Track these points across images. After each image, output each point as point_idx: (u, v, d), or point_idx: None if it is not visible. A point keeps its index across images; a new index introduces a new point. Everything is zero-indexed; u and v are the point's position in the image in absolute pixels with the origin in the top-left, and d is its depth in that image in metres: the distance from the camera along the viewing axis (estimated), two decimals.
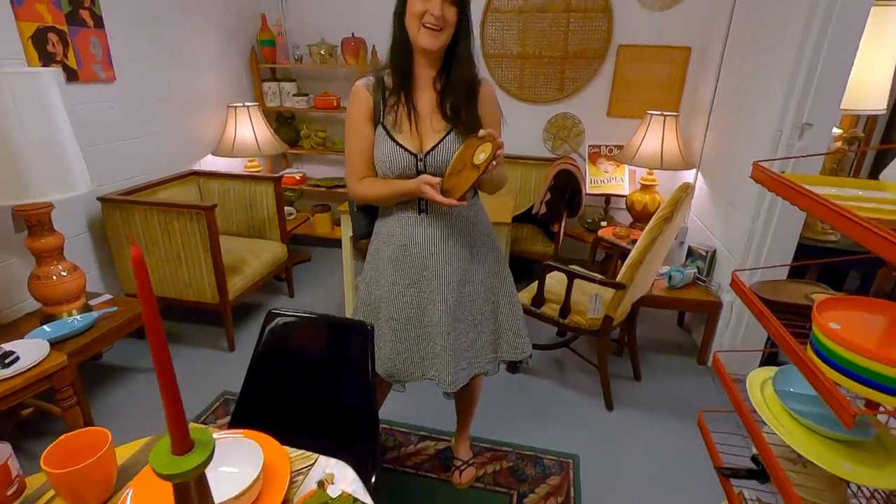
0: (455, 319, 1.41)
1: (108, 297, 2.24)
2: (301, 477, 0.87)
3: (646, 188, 3.04)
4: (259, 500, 0.80)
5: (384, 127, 1.30)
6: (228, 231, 2.97)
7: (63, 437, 0.80)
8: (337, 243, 3.69)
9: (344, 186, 3.63)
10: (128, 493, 0.75)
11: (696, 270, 2.54)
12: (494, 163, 1.15)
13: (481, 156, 1.17)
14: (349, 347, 1.27)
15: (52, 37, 2.11)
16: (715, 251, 2.53)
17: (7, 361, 1.59)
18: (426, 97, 1.32)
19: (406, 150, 1.28)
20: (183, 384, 1.99)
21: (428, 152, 1.29)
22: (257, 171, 3.27)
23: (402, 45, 1.26)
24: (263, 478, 0.82)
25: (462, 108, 1.30)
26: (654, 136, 2.85)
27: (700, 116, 2.95)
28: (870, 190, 1.02)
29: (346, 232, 2.57)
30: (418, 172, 1.29)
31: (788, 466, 1.07)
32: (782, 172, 1.99)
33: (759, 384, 1.19)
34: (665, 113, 2.85)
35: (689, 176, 3.04)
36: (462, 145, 1.21)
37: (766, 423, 1.04)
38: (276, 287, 3.21)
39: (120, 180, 2.53)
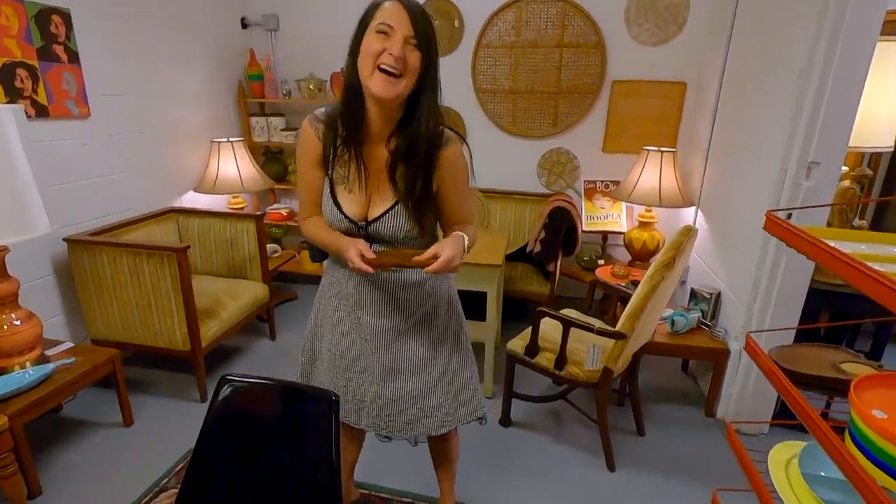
0: (391, 372, 1.30)
1: (69, 345, 2.08)
2: None
3: (644, 225, 2.92)
4: None
5: (331, 182, 1.17)
6: (208, 271, 2.83)
7: None
8: None
9: None
10: None
11: (699, 314, 2.39)
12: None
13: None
14: (310, 418, 1.11)
15: (21, 72, 2.02)
16: (720, 293, 2.39)
17: None
18: (380, 154, 1.14)
19: (348, 218, 1.18)
20: (150, 437, 1.78)
21: (371, 222, 1.18)
22: (241, 208, 3.16)
23: (353, 89, 1.06)
24: None
25: (416, 179, 1.11)
26: (652, 173, 2.76)
27: (698, 152, 2.86)
28: None
29: None
30: (367, 238, 1.20)
31: None
32: (789, 216, 1.88)
33: (784, 463, 1.04)
34: (662, 149, 2.76)
35: (688, 213, 2.93)
36: (408, 251, 1.16)
37: None
38: (258, 329, 3.05)
39: (93, 219, 2.41)
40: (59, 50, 2.16)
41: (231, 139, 3.03)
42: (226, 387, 1.12)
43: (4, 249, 1.77)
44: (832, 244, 0.84)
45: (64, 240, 2.19)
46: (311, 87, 3.26)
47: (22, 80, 2.02)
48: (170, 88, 2.84)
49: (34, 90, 2.07)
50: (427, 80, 1.04)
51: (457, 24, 3.18)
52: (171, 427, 2.16)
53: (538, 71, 3.17)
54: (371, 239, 1.20)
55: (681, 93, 3.05)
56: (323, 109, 1.17)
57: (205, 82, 3.12)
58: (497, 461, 2.01)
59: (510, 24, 3.12)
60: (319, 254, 1.39)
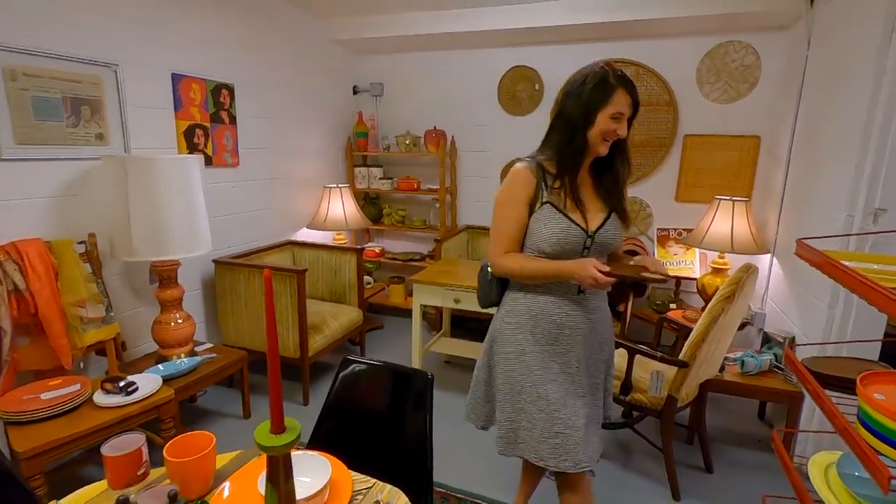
0: (594, 391, 1.48)
1: (209, 345, 2.56)
2: (360, 496, 0.99)
3: (717, 271, 2.99)
4: None
5: (553, 206, 1.35)
6: (314, 295, 3.29)
7: (181, 435, 0.99)
8: (408, 313, 3.91)
9: (418, 260, 3.91)
10: (225, 485, 0.92)
11: (772, 357, 2.41)
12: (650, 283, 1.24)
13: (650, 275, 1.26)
14: (409, 396, 1.40)
15: (198, 131, 2.65)
16: (794, 338, 2.41)
17: (129, 390, 1.88)
18: (585, 182, 1.41)
19: (579, 226, 1.34)
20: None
21: (596, 231, 1.36)
22: (343, 243, 3.65)
23: (579, 149, 1.33)
24: (329, 490, 0.95)
25: (621, 194, 1.41)
26: (724, 221, 2.87)
27: (773, 202, 2.94)
28: None
29: (417, 302, 2.77)
30: (584, 249, 1.36)
31: None
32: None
33: (824, 468, 1.16)
34: (734, 198, 2.88)
35: (764, 260, 2.97)
36: (641, 264, 1.31)
37: None
38: (351, 350, 3.44)
39: (231, 246, 2.97)
40: (223, 115, 2.80)
41: (339, 185, 3.57)
42: (349, 366, 1.46)
43: (178, 263, 2.30)
44: (847, 264, 1.02)
45: (213, 261, 2.75)
46: (408, 142, 3.77)
47: (198, 138, 2.65)
48: (295, 144, 3.46)
49: (205, 145, 2.70)
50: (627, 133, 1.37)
51: (537, 87, 3.58)
52: None
53: None
54: (593, 249, 1.39)
55: (755, 145, 3.17)
56: (526, 158, 1.42)
57: (321, 138, 3.73)
58: None
59: None
60: (496, 295, 1.50)
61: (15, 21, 1.88)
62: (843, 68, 2.19)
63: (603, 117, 1.28)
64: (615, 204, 1.41)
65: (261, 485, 0.90)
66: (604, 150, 1.33)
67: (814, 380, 1.00)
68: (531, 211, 1.37)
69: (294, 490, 0.72)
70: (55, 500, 0.97)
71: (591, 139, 1.31)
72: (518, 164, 1.39)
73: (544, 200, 1.35)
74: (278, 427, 0.68)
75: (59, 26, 2.02)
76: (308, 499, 0.88)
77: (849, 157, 2.03)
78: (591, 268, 1.24)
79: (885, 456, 0.86)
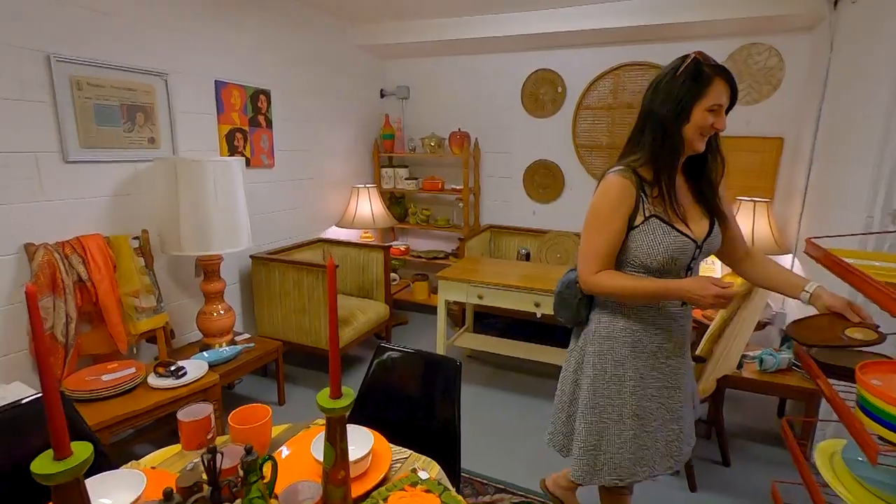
0: (687, 400, 1.44)
1: (247, 335, 2.73)
2: (398, 465, 1.11)
3: None
4: (367, 473, 1.05)
5: (659, 219, 1.26)
6: (343, 290, 3.44)
7: (241, 407, 1.13)
8: (432, 309, 4.04)
9: (442, 258, 4.03)
10: (283, 448, 1.05)
11: (791, 356, 2.45)
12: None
13: (857, 335, 1.15)
14: (439, 381, 1.51)
15: (238, 135, 2.82)
16: None
17: (179, 374, 2.04)
18: (680, 185, 1.32)
19: (689, 237, 1.26)
20: (297, 414, 2.40)
21: (704, 239, 1.30)
22: (370, 241, 3.79)
23: (675, 148, 1.24)
24: (371, 458, 1.07)
25: (720, 198, 1.33)
26: (744, 221, 2.90)
27: (795, 203, 2.96)
28: None
29: (442, 297, 2.89)
30: (692, 260, 1.30)
31: None
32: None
33: (829, 454, 1.23)
34: (755, 199, 2.91)
35: (785, 261, 3.00)
36: (836, 309, 1.21)
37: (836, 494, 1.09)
38: (376, 344, 3.57)
39: (266, 243, 3.14)
40: (261, 119, 2.97)
41: (367, 185, 3.72)
42: (383, 353, 1.58)
43: (220, 258, 2.46)
44: (850, 261, 1.10)
45: (250, 256, 2.91)
46: (433, 143, 3.89)
47: (238, 141, 2.82)
48: (325, 146, 3.62)
49: (244, 148, 2.86)
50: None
51: (560, 89, 3.65)
52: (313, 409, 2.68)
53: None
54: (700, 259, 1.33)
55: (778, 147, 3.19)
56: (619, 167, 1.30)
57: (349, 140, 3.89)
58: None
59: (608, 88, 3.52)
60: (586, 314, 1.41)
61: (80, 36, 2.06)
62: (865, 70, 2.22)
63: (699, 111, 1.19)
64: (714, 206, 1.33)
65: (314, 449, 1.03)
66: (700, 146, 1.23)
67: (816, 366, 1.08)
68: (630, 224, 1.27)
69: (348, 448, 0.84)
70: (135, 460, 1.11)
71: (687, 136, 1.22)
72: (612, 175, 1.28)
73: (648, 214, 1.25)
74: (336, 393, 0.80)
75: (117, 39, 2.20)
76: (355, 461, 1.01)
77: (868, 159, 2.06)
78: (711, 286, 1.15)
79: (885, 439, 0.94)
